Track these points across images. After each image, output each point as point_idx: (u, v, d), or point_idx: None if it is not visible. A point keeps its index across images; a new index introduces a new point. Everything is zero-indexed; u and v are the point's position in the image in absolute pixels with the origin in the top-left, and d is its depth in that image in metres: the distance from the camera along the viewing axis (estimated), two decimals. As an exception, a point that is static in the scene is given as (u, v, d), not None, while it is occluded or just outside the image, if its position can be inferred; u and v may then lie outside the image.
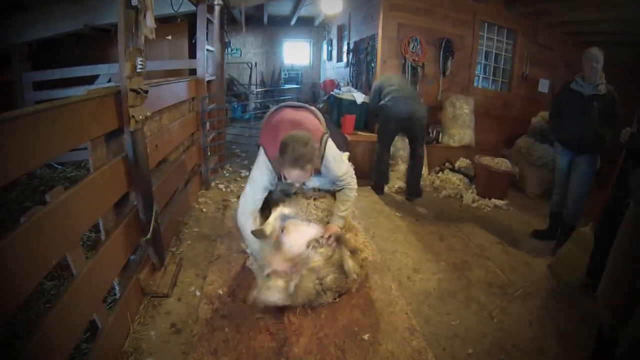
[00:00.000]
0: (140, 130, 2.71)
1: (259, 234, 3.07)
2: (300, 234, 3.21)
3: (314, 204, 3.35)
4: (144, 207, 2.87)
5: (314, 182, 3.39)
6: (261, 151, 3.13)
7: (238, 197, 5.26)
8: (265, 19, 13.00)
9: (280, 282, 2.91)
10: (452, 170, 6.80)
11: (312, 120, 3.23)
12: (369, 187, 6.22)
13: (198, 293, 3.24)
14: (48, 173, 5.93)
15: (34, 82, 6.94)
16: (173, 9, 4.86)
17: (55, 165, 6.22)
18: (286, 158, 2.78)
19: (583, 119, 4.08)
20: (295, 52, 15.53)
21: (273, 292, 2.86)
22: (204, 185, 5.65)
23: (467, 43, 7.13)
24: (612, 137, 3.92)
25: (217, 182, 5.98)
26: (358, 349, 2.69)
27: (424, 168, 6.27)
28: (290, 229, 3.23)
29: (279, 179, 3.21)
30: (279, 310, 2.96)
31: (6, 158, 1.57)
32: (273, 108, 3.38)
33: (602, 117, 4.01)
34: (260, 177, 3.15)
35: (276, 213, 3.28)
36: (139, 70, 2.55)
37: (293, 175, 2.88)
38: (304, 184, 3.28)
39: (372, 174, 6.01)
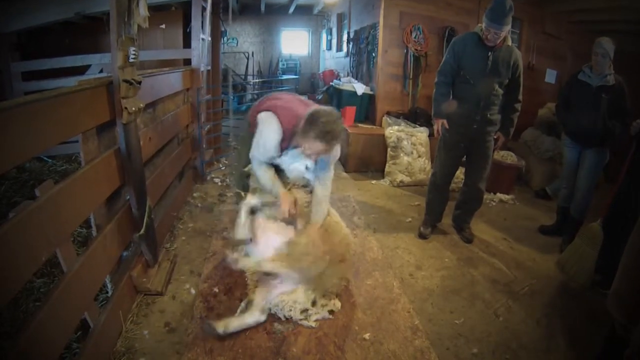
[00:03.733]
0: (133, 122, 2.69)
1: (238, 243, 3.14)
2: (269, 239, 3.14)
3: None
4: (137, 201, 2.86)
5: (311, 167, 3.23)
6: (270, 117, 3.00)
7: (235, 192, 5.29)
8: (263, 7, 12.97)
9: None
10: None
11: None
12: (371, 181, 6.25)
13: (193, 291, 3.24)
14: (38, 166, 5.91)
15: (23, 72, 6.87)
16: (167, -4, 4.84)
17: (45, 158, 6.19)
18: (315, 129, 2.73)
19: (591, 111, 4.06)
20: (294, 42, 15.50)
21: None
22: (199, 179, 5.64)
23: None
24: (621, 129, 3.91)
25: (213, 175, 5.96)
26: (358, 348, 2.69)
27: (427, 162, 6.27)
28: (259, 233, 3.17)
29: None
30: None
31: (-6, 151, 1.56)
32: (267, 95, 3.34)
33: (611, 109, 3.99)
34: (270, 142, 3.01)
35: (245, 207, 3.23)
36: (131, 60, 2.53)
37: (315, 148, 2.79)
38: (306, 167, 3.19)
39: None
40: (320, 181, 3.17)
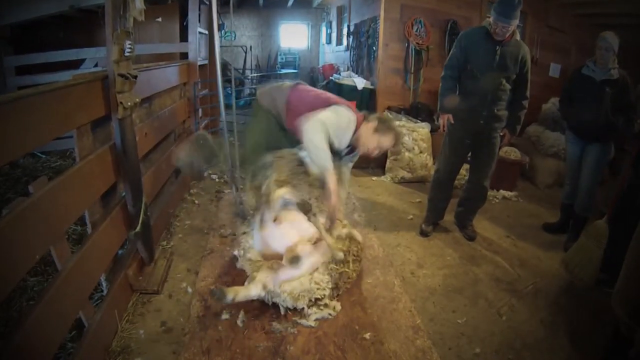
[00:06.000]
0: (129, 117, 2.69)
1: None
2: (293, 227, 3.11)
3: (316, 195, 3.30)
4: (133, 198, 2.85)
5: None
6: (345, 112, 3.28)
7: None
8: (261, 1, 12.93)
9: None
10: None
11: None
12: (371, 178, 6.25)
13: (190, 289, 3.23)
14: (31, 163, 5.91)
15: (17, 66, 6.89)
16: (163, -12, 4.83)
17: (39, 154, 6.20)
18: (394, 131, 3.36)
19: (595, 105, 4.05)
20: (293, 35, 15.48)
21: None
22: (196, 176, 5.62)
23: (474, 25, 7.00)
24: (625, 124, 3.91)
25: (210, 172, 5.94)
26: (359, 348, 2.68)
27: (429, 157, 6.26)
28: (283, 218, 3.16)
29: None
30: (275, 307, 2.95)
31: (-14, 147, 1.56)
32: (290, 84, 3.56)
33: (615, 104, 3.98)
34: (344, 135, 3.31)
35: (277, 197, 3.23)
36: (127, 54, 2.52)
37: (387, 144, 3.36)
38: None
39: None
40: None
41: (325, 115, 3.09)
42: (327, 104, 3.26)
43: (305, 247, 2.96)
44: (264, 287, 2.83)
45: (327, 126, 3.04)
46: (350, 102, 6.47)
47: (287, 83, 3.55)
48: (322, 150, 2.99)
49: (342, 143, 3.32)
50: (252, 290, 2.80)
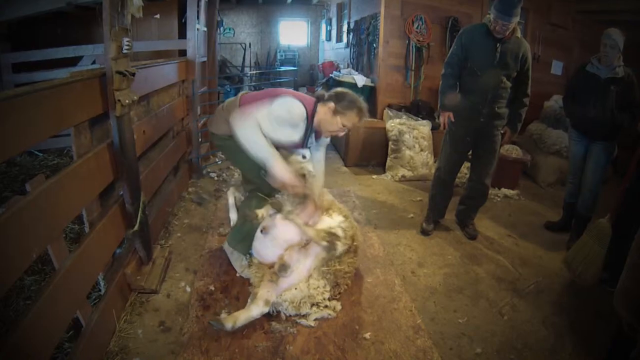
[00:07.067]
0: (127, 115, 2.68)
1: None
2: (281, 234, 3.11)
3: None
4: (131, 197, 2.84)
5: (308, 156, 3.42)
6: (289, 102, 3.04)
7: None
8: (260, -3, 12.96)
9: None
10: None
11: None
12: (372, 176, 6.26)
13: (188, 289, 3.23)
14: (28, 161, 5.90)
15: (14, 63, 6.88)
16: (162, -15, 4.82)
17: (36, 152, 6.19)
18: (355, 107, 3.23)
19: (599, 103, 4.05)
20: (292, 32, 15.47)
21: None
22: (194, 174, 5.62)
23: (475, 22, 7.00)
24: (630, 122, 3.90)
25: (209, 170, 5.94)
26: (359, 348, 2.69)
27: (430, 155, 6.26)
28: (270, 227, 3.15)
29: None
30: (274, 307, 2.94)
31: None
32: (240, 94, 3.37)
33: (620, 102, 3.98)
34: (290, 128, 3.12)
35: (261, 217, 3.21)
36: (125, 51, 2.52)
37: (351, 122, 3.22)
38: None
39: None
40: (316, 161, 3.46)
41: (261, 113, 2.94)
42: (272, 97, 3.10)
43: (292, 253, 2.97)
44: (266, 302, 2.81)
45: (259, 120, 2.91)
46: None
47: (231, 98, 3.43)
48: (257, 143, 2.89)
49: (293, 134, 3.17)
50: (253, 311, 2.75)
